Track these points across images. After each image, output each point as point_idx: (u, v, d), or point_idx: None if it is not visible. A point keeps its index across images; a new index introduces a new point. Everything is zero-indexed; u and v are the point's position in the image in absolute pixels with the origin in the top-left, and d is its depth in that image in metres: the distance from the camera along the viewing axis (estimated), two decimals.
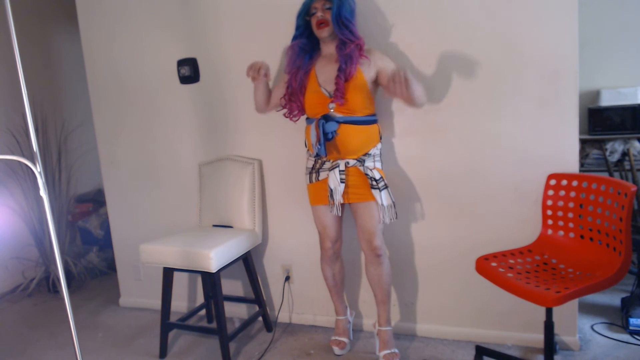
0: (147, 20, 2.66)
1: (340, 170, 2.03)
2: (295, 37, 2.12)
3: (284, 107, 2.20)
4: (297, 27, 2.10)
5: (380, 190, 2.03)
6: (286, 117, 2.20)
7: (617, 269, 1.67)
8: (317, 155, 2.05)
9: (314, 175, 2.13)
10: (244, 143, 2.58)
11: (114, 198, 2.98)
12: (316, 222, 2.22)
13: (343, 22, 1.98)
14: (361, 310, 2.50)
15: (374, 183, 2.03)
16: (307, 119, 2.13)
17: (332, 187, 2.04)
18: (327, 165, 2.08)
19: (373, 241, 2.09)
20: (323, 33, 2.02)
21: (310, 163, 2.15)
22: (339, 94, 1.97)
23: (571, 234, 1.96)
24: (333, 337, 2.33)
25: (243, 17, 2.45)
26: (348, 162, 2.04)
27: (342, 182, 2.03)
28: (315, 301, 2.58)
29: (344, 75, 1.97)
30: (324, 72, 2.05)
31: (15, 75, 1.50)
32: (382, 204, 2.03)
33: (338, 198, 2.04)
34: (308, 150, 2.16)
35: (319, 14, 2.01)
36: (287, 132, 2.43)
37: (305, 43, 2.09)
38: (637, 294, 2.36)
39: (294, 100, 2.12)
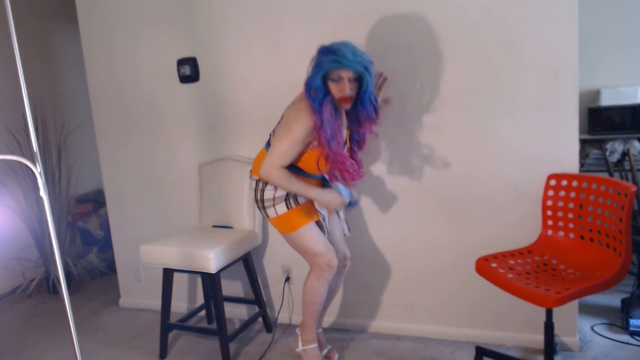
0: (147, 20, 2.66)
1: None
2: (319, 99, 1.81)
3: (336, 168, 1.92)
4: (317, 88, 1.81)
5: None
6: (351, 176, 1.92)
7: (617, 269, 1.66)
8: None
9: (291, 201, 1.97)
10: (244, 143, 2.58)
11: (114, 198, 2.98)
12: (314, 242, 2.00)
13: (371, 101, 1.85)
14: (361, 310, 2.50)
15: None
16: (307, 174, 1.97)
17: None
18: None
19: (347, 251, 2.18)
20: (346, 107, 1.86)
21: (281, 192, 1.96)
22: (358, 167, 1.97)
23: (571, 235, 1.96)
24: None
25: (243, 17, 2.44)
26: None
27: None
28: None
29: (357, 148, 2.03)
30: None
31: (15, 75, 1.49)
32: (341, 217, 2.13)
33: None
34: (267, 183, 1.96)
35: (347, 90, 1.78)
36: None
37: (332, 100, 1.85)
38: (637, 295, 2.36)
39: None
